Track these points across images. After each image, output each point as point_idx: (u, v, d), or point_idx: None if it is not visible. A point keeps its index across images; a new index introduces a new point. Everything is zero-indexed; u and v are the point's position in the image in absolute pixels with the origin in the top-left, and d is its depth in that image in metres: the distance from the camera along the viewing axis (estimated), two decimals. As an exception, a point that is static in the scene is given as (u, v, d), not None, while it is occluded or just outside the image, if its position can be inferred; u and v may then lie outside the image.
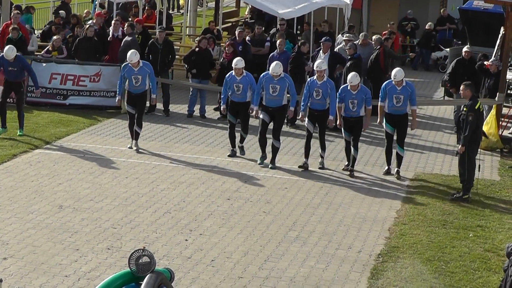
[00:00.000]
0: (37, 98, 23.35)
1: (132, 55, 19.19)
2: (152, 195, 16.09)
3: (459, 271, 12.91)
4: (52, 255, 12.86)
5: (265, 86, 18.45)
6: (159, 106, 23.58)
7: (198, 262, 12.92)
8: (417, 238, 14.31)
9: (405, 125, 18.28)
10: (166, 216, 14.99)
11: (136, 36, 24.32)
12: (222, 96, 19.80)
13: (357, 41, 23.83)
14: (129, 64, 19.24)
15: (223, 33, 29.86)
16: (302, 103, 18.53)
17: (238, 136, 19.06)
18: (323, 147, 18.57)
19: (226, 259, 13.08)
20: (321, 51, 22.59)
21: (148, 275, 8.78)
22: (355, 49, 22.52)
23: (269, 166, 18.41)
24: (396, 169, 18.23)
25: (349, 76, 18.15)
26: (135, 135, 19.45)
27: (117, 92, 20.12)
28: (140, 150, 19.13)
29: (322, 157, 18.57)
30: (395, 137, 18.30)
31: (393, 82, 17.99)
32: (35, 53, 25.48)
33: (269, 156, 18.50)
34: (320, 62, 18.68)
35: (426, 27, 33.09)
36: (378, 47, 23.22)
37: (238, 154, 19.13)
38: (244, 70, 18.89)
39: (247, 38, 24.72)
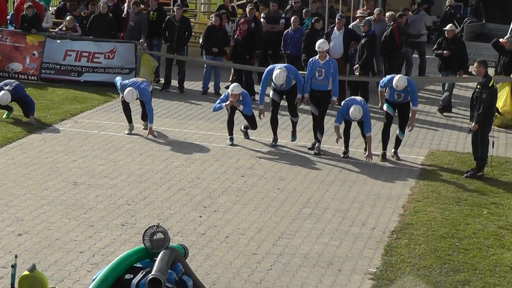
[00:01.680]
0: (51, 75, 23.44)
1: (129, 95, 18.21)
2: (166, 172, 16.11)
3: (473, 248, 12.90)
4: (67, 231, 12.90)
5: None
6: (174, 83, 23.59)
7: (212, 238, 12.94)
8: (431, 215, 14.29)
9: (408, 111, 17.71)
10: (181, 192, 15.01)
11: (152, 12, 24.31)
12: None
13: (371, 17, 23.71)
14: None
15: (238, 10, 29.74)
16: (305, 87, 18.15)
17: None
18: (321, 130, 17.96)
19: (240, 236, 13.10)
20: (335, 28, 22.51)
21: (162, 251, 8.82)
22: (370, 26, 22.42)
23: (291, 139, 18.29)
24: (393, 150, 17.76)
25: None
26: (143, 117, 19.04)
27: (118, 88, 19.01)
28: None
29: (319, 141, 17.93)
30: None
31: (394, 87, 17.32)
32: (50, 30, 25.49)
33: (287, 133, 18.41)
34: (322, 42, 18.22)
35: (447, 3, 32.81)
36: (392, 23, 23.11)
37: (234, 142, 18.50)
38: (240, 96, 17.98)
39: (262, 15, 24.65)
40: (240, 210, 14.26)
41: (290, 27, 23.07)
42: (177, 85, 23.48)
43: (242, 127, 18.71)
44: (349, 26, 23.52)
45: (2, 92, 18.80)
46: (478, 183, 16.21)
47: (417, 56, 25.97)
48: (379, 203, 14.92)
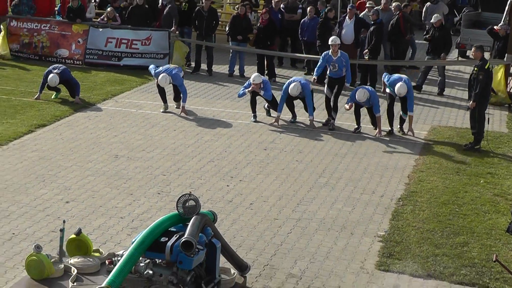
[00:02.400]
0: (94, 60, 23.42)
1: (162, 81, 18.19)
2: (197, 146, 16.05)
3: (471, 214, 12.79)
4: (109, 199, 12.88)
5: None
6: (203, 66, 23.49)
7: (238, 205, 12.88)
8: (434, 184, 14.18)
9: (410, 92, 17.33)
10: (210, 164, 14.95)
11: (184, 3, 24.24)
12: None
13: (379, 7, 23.53)
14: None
15: (260, 1, 29.55)
16: (315, 70, 18.16)
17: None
18: (335, 109, 17.79)
19: (263, 203, 13.03)
20: (347, 17, 22.35)
21: (193, 217, 8.77)
22: (378, 15, 22.27)
23: (309, 118, 17.86)
24: (398, 126, 17.63)
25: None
26: (175, 98, 18.87)
27: (153, 75, 18.88)
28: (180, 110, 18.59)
29: (333, 118, 17.76)
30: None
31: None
32: (93, 19, 25.45)
33: (303, 111, 18.25)
34: (335, 38, 18.17)
35: None
36: (397, 12, 22.94)
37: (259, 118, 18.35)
38: (261, 84, 17.82)
39: (281, 5, 24.51)
40: (263, 180, 14.18)
41: (307, 16, 22.97)
42: (206, 69, 23.39)
43: (266, 106, 18.55)
44: (359, 15, 23.35)
45: (51, 75, 18.78)
46: (476, 155, 16.06)
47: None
48: (387, 173, 14.81)
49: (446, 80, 22.18)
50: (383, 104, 17.96)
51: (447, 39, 21.78)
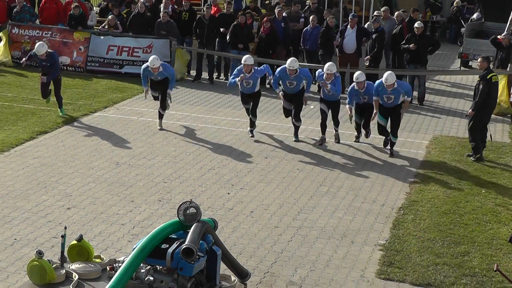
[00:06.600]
0: (96, 67, 23.53)
1: (154, 61, 17.40)
2: (198, 154, 16.13)
3: (472, 223, 12.86)
4: (110, 206, 12.96)
5: (283, 82, 17.19)
6: (205, 75, 23.58)
7: (239, 213, 12.96)
8: (435, 194, 14.25)
9: (400, 114, 16.50)
10: (211, 172, 15.03)
11: (184, 13, 24.30)
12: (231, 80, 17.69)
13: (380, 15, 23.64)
14: (149, 68, 17.55)
15: (262, 10, 29.65)
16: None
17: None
18: (336, 124, 17.25)
19: (264, 211, 13.11)
20: (348, 26, 22.45)
21: (194, 224, 8.82)
22: (380, 23, 22.42)
23: (293, 140, 17.27)
24: (389, 149, 16.78)
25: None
26: (159, 116, 17.98)
27: (143, 84, 18.21)
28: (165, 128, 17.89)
29: (336, 130, 17.31)
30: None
31: (384, 85, 16.16)
32: (94, 27, 25.56)
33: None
34: (330, 65, 16.83)
35: (454, 4, 32.66)
36: (401, 21, 23.03)
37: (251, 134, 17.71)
38: (252, 68, 17.20)
39: (284, 14, 24.60)
40: (264, 188, 14.26)
41: (309, 25, 23.05)
42: (207, 77, 23.48)
43: (248, 129, 17.79)
44: (364, 26, 23.45)
45: (39, 42, 18.52)
46: (477, 165, 16.13)
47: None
48: (388, 182, 14.89)
49: (447, 90, 22.19)
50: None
51: (433, 44, 21.81)
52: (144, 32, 23.78)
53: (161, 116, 17.99)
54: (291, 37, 23.82)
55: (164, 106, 17.99)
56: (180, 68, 23.36)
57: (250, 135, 17.59)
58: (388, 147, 16.90)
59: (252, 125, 17.79)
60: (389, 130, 16.85)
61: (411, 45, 21.24)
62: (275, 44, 22.95)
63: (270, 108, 20.28)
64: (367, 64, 21.88)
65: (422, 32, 21.63)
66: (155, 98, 18.25)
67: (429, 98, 22.29)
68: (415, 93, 21.68)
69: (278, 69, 17.55)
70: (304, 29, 23.27)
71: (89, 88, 21.51)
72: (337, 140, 17.42)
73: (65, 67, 23.43)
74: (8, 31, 24.24)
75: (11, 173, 14.33)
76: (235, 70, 17.82)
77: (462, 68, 27.02)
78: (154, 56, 17.90)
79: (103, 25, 24.76)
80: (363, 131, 17.52)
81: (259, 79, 17.51)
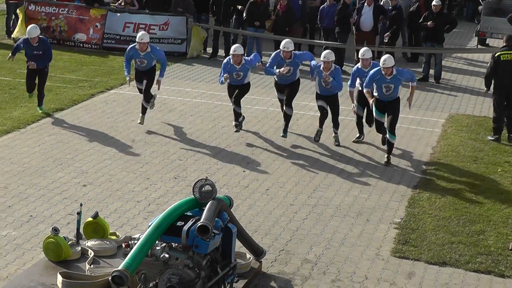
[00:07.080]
0: (112, 44, 23.52)
1: (143, 35, 16.22)
2: (214, 131, 16.13)
3: (488, 202, 12.82)
4: (126, 183, 12.99)
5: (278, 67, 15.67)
6: (221, 52, 23.54)
7: (254, 190, 12.97)
8: (451, 172, 14.21)
9: (398, 109, 14.76)
10: (226, 150, 15.03)
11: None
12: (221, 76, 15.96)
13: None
14: (136, 46, 16.25)
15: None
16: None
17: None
18: (336, 126, 15.70)
19: (279, 188, 13.11)
20: (365, 3, 22.34)
21: (210, 202, 8.85)
22: (397, 1, 22.34)
23: (281, 135, 15.78)
24: (386, 156, 14.81)
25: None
26: (142, 110, 16.24)
27: (125, 70, 16.52)
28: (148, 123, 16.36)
29: (335, 133, 15.74)
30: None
31: (382, 70, 14.41)
32: (111, 4, 25.54)
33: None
34: (328, 53, 15.25)
35: None
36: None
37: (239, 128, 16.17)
38: (242, 58, 15.63)
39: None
40: (279, 166, 14.26)
41: (326, 3, 22.96)
42: (224, 54, 23.43)
43: (234, 123, 16.15)
44: (381, 3, 23.34)
45: (31, 25, 16.77)
46: (494, 144, 16.06)
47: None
48: (404, 161, 14.85)
49: (464, 68, 22.09)
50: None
51: (450, 22, 21.72)
52: (161, 9, 23.74)
53: (144, 110, 16.18)
54: (308, 15, 23.73)
55: (147, 98, 16.23)
56: (197, 46, 23.34)
57: (235, 130, 15.96)
58: (385, 147, 15.04)
59: (237, 117, 16.01)
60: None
61: (428, 23, 21.13)
62: (291, 22, 22.88)
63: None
64: (386, 41, 21.79)
65: (440, 10, 21.51)
66: (141, 91, 16.53)
67: (446, 76, 22.19)
68: (432, 71, 21.64)
69: (273, 54, 16.13)
70: (321, 6, 23.17)
71: (105, 65, 21.52)
72: (337, 142, 15.76)
73: (81, 44, 23.51)
74: (25, 8, 24.25)
75: (27, 150, 14.38)
76: (222, 68, 15.94)
77: (479, 46, 26.86)
78: (143, 31, 17.06)
79: (119, 2, 24.71)
80: (364, 132, 16.12)
81: (249, 71, 15.95)
